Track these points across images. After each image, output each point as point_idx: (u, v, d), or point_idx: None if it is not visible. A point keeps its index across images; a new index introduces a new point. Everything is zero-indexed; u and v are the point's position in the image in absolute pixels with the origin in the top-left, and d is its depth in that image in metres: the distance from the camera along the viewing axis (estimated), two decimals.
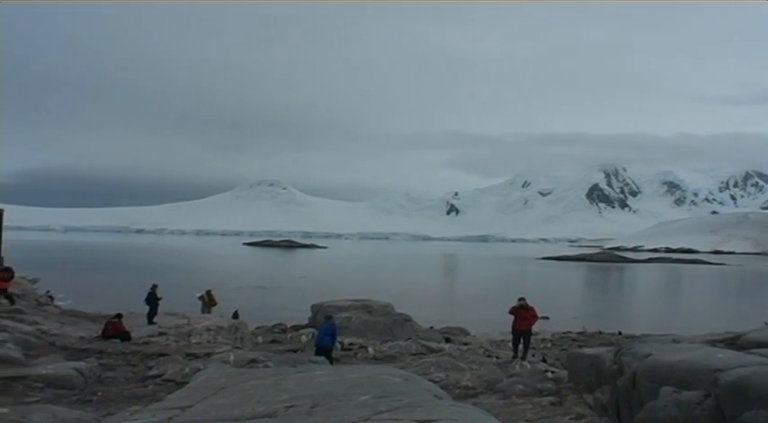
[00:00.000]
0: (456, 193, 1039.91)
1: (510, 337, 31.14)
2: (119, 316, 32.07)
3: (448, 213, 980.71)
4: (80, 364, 20.55)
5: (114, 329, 30.59)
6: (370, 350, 32.45)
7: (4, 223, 57.68)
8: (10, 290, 38.70)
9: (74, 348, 27.51)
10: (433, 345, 35.12)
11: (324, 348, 27.87)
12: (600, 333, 51.97)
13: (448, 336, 44.36)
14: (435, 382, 15.41)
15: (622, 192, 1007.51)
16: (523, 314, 27.51)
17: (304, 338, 38.40)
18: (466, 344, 39.74)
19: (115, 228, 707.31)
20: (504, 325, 37.12)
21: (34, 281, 60.60)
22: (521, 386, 19.09)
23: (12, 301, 37.34)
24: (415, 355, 31.12)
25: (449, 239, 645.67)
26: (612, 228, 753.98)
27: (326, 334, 28.47)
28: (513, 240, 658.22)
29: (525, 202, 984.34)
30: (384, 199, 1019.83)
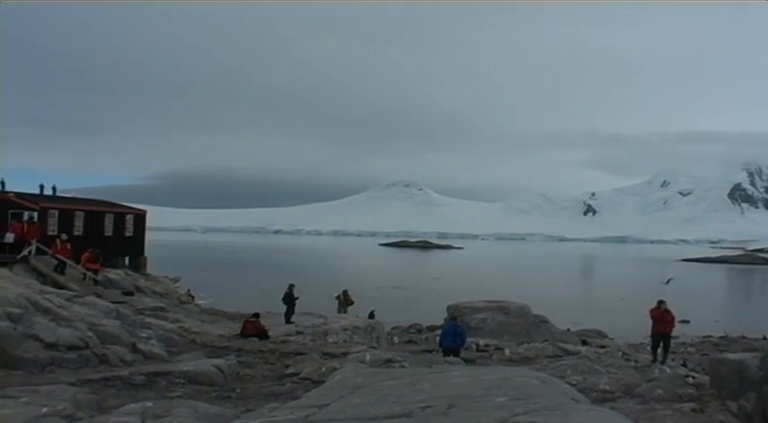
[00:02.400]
0: (593, 194, 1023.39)
1: (649, 340, 30.50)
2: (256, 315, 32.63)
3: (585, 214, 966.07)
4: (220, 362, 20.96)
5: (253, 328, 31.11)
6: (506, 352, 32.16)
7: (147, 224, 59.23)
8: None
9: (214, 346, 28.12)
10: (570, 347, 34.65)
11: (447, 349, 27.77)
12: (743, 338, 50.55)
13: (585, 338, 43.77)
14: (572, 385, 15.14)
15: (767, 191, 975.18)
16: (665, 317, 26.89)
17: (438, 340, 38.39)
18: (603, 347, 39.14)
19: (253, 228, 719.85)
20: (642, 328, 36.38)
21: (175, 280, 62.10)
22: (660, 391, 18.66)
23: (96, 281, 39.96)
24: (551, 357, 30.73)
25: (586, 240, 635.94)
26: (756, 229, 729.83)
27: (448, 334, 28.35)
28: (652, 241, 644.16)
29: (664, 203, 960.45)
30: (520, 199, 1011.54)
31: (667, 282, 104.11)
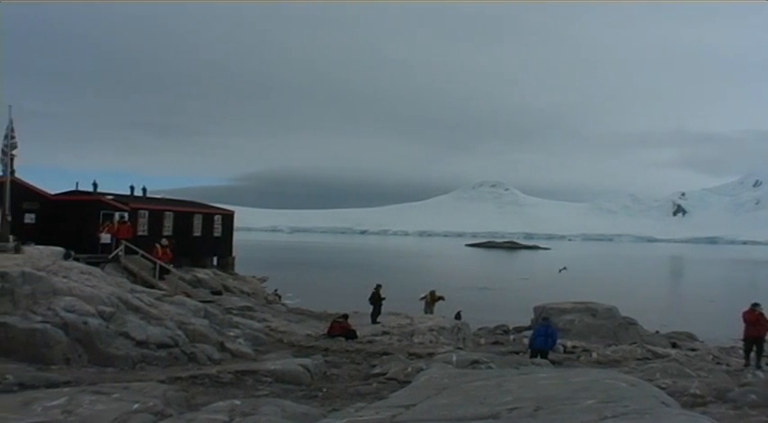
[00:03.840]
0: (683, 194, 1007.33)
1: (741, 343, 29.89)
2: (345, 316, 32.79)
3: (674, 214, 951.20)
4: (306, 361, 21.06)
5: (341, 328, 31.27)
6: (594, 354, 31.83)
7: (235, 224, 59.85)
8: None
9: (300, 345, 28.30)
10: (659, 350, 34.20)
11: (537, 350, 27.56)
12: None
13: (674, 341, 43.06)
14: (662, 388, 14.85)
15: None
16: (759, 320, 26.35)
17: (526, 341, 38.06)
18: (693, 350, 38.47)
19: (340, 229, 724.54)
20: (734, 331, 35.62)
21: (263, 280, 62.63)
22: (754, 396, 18.22)
23: (164, 269, 41.08)
24: (639, 359, 30.33)
25: (675, 241, 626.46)
26: None
27: (540, 335, 28.17)
28: (744, 242, 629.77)
29: (757, 203, 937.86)
30: (608, 199, 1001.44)
31: (561, 270, 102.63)
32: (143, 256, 41.68)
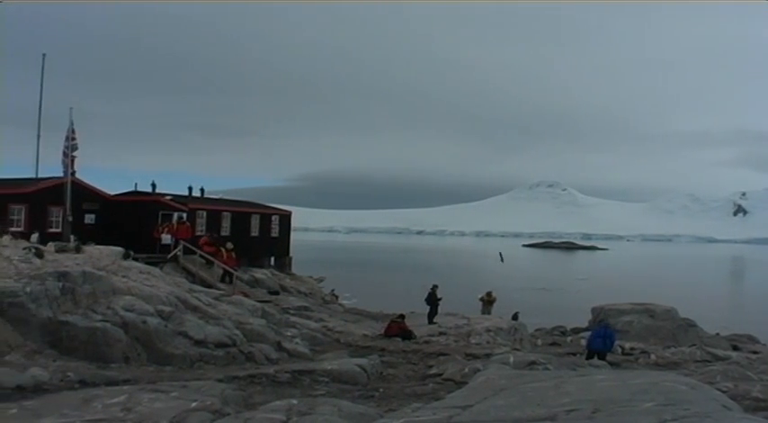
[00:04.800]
0: (743, 193, 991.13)
1: None
2: (402, 316, 32.76)
3: (735, 214, 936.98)
4: (363, 361, 21.08)
5: (398, 328, 31.26)
6: (653, 356, 31.51)
7: (292, 224, 60.13)
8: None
9: (357, 345, 28.35)
10: (720, 352, 33.72)
11: (595, 352, 27.35)
12: None
13: (735, 343, 42.44)
14: (722, 391, 14.60)
15: None
16: None
17: (584, 342, 37.79)
18: (755, 352, 37.83)
19: (396, 229, 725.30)
20: None
21: (320, 280, 62.83)
22: None
23: (208, 262, 42.12)
24: (699, 362, 29.94)
25: (735, 242, 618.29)
26: None
27: (598, 337, 27.94)
28: None
29: None
30: (667, 200, 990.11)
31: (501, 259, 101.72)
32: (201, 256, 42.09)
